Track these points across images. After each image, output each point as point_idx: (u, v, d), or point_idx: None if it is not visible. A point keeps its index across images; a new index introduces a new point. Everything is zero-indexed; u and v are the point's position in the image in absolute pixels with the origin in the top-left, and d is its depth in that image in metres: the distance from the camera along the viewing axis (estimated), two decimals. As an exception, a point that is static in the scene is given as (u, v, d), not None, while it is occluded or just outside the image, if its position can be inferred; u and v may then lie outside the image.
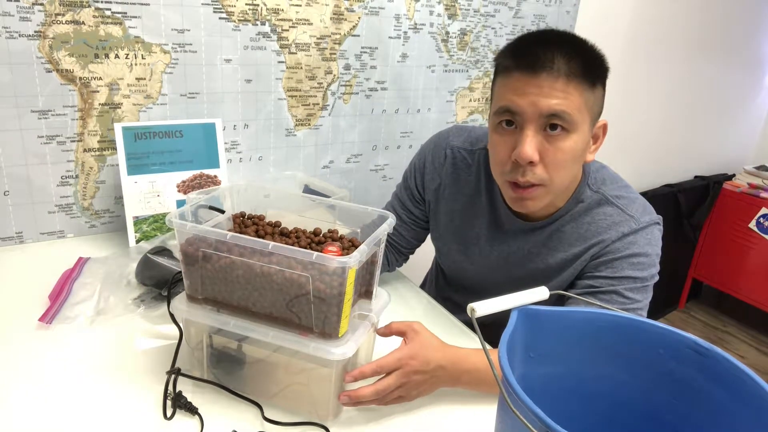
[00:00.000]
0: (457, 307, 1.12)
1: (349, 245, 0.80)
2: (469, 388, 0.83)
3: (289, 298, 0.71)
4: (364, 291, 0.81)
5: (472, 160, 1.03)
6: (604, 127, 0.89)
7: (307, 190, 1.40)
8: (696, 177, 2.72)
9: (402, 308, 1.09)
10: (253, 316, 0.74)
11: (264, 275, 0.71)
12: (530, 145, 0.80)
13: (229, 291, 0.74)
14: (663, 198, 2.51)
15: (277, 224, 0.85)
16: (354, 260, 0.67)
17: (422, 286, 1.31)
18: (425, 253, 1.29)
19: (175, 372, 0.77)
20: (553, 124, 0.80)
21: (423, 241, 1.18)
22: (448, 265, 1.15)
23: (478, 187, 1.02)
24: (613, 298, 0.88)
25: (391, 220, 0.79)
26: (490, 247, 1.02)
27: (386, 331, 0.83)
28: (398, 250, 1.15)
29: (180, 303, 0.77)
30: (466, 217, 1.04)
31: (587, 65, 0.81)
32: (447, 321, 1.06)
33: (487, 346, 0.55)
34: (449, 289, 1.20)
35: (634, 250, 0.89)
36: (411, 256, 1.21)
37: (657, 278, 0.91)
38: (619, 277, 0.88)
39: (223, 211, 0.85)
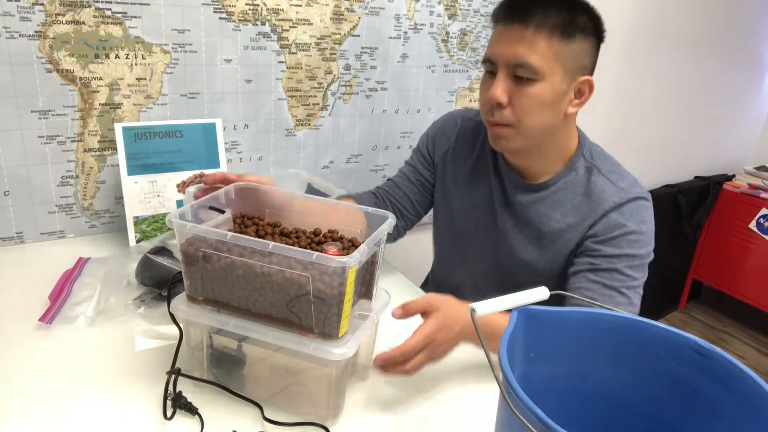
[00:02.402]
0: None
1: (349, 245, 0.80)
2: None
3: (289, 298, 0.71)
4: (364, 291, 0.81)
5: (479, 129, 1.10)
6: (590, 83, 0.92)
7: (310, 189, 1.40)
8: (696, 177, 2.72)
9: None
10: (253, 317, 0.74)
11: (264, 275, 0.71)
12: (499, 87, 0.89)
13: (229, 291, 0.74)
14: (663, 198, 2.51)
15: (276, 224, 0.85)
16: (354, 260, 0.67)
17: (423, 287, 1.31)
18: (427, 252, 1.30)
19: (175, 372, 0.77)
20: (520, 71, 0.87)
21: (425, 212, 1.20)
22: (448, 239, 1.17)
23: (483, 151, 1.08)
24: (613, 275, 0.92)
25: (391, 220, 0.79)
26: (492, 210, 1.07)
27: (404, 313, 0.81)
28: (401, 213, 1.17)
29: (180, 303, 0.77)
30: (471, 178, 1.09)
31: (564, 19, 0.86)
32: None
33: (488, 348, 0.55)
34: (447, 275, 1.21)
35: (629, 227, 0.92)
36: (410, 257, 1.21)
37: (652, 256, 0.95)
38: (618, 255, 0.92)
39: (223, 211, 0.85)
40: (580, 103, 0.93)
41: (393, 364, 0.77)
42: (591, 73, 0.93)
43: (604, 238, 0.93)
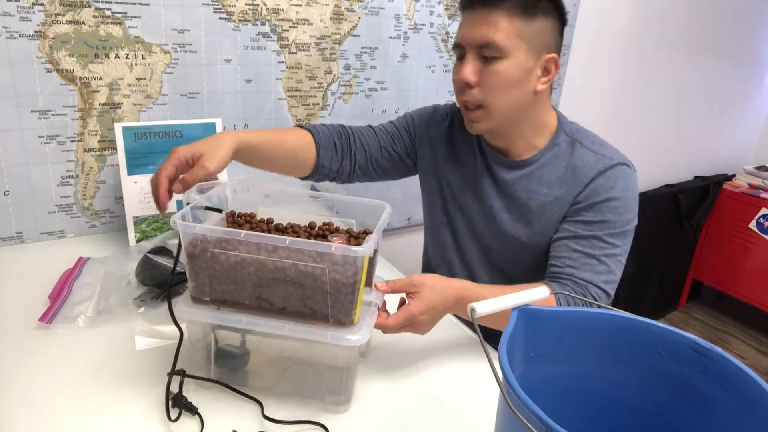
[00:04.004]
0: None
1: (347, 236, 0.83)
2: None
3: (304, 290, 0.72)
4: (367, 279, 0.82)
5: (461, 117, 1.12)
6: (555, 61, 0.95)
7: (313, 187, 1.40)
8: (696, 177, 2.72)
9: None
10: (265, 312, 0.75)
11: (277, 270, 0.72)
12: (467, 68, 0.92)
13: (239, 289, 0.74)
14: (663, 198, 2.51)
15: (270, 221, 0.86)
16: (369, 249, 0.70)
17: None
18: (419, 253, 1.29)
19: (180, 374, 0.76)
20: (486, 52, 0.91)
21: (387, 174, 1.16)
22: (440, 223, 1.17)
23: (470, 136, 1.10)
24: (593, 243, 0.94)
25: (389, 209, 0.83)
26: (479, 190, 1.08)
27: (387, 289, 0.83)
28: (359, 160, 1.11)
29: (184, 305, 0.77)
30: (459, 161, 1.11)
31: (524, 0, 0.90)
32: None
33: (488, 347, 0.55)
34: (439, 257, 1.21)
35: (612, 194, 0.95)
36: (406, 253, 1.21)
37: (635, 222, 0.98)
38: (599, 221, 0.95)
39: (220, 210, 0.85)
40: (548, 80, 0.96)
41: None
42: (557, 53, 0.95)
43: (588, 204, 0.96)
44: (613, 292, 0.94)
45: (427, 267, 1.28)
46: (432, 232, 1.21)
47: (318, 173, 1.07)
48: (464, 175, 1.10)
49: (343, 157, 1.09)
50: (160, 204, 0.79)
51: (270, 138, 0.99)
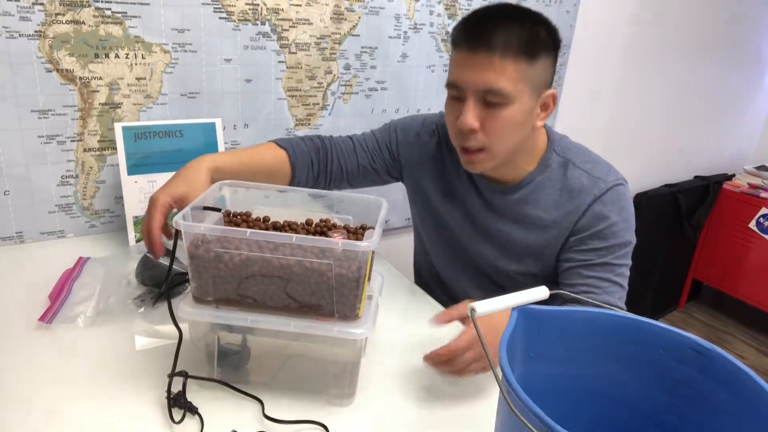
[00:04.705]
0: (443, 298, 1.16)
1: (346, 232, 0.84)
2: None
3: (310, 286, 0.73)
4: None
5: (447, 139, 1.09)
6: (553, 96, 0.94)
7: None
8: (696, 177, 2.72)
9: (391, 301, 1.09)
10: (269, 309, 0.76)
11: (283, 267, 0.73)
12: (470, 114, 0.89)
13: (243, 288, 0.75)
14: (663, 198, 2.51)
15: (266, 219, 0.86)
16: (374, 244, 0.71)
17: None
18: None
19: (182, 375, 0.76)
20: (490, 97, 0.88)
21: (365, 185, 1.16)
22: (431, 244, 1.18)
23: (457, 159, 1.05)
24: (605, 268, 0.96)
25: (386, 205, 0.84)
26: (469, 211, 1.08)
27: (446, 318, 0.83)
28: (335, 177, 1.11)
29: (186, 305, 0.77)
30: (448, 189, 1.10)
31: (526, 40, 0.86)
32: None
33: (488, 346, 0.54)
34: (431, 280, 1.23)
35: (612, 219, 0.96)
36: (406, 253, 1.22)
37: (635, 238, 1.00)
38: (607, 246, 0.96)
39: (219, 210, 0.85)
40: (546, 115, 0.95)
41: (442, 362, 0.80)
42: (551, 85, 0.94)
43: (591, 232, 0.97)
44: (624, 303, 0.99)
45: (418, 274, 1.29)
46: (421, 243, 1.22)
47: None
48: (454, 204, 1.09)
49: (319, 174, 1.10)
50: (155, 254, 0.85)
51: (246, 162, 1.00)
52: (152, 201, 0.85)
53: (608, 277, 0.96)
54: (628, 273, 0.99)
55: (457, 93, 0.91)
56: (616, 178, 0.98)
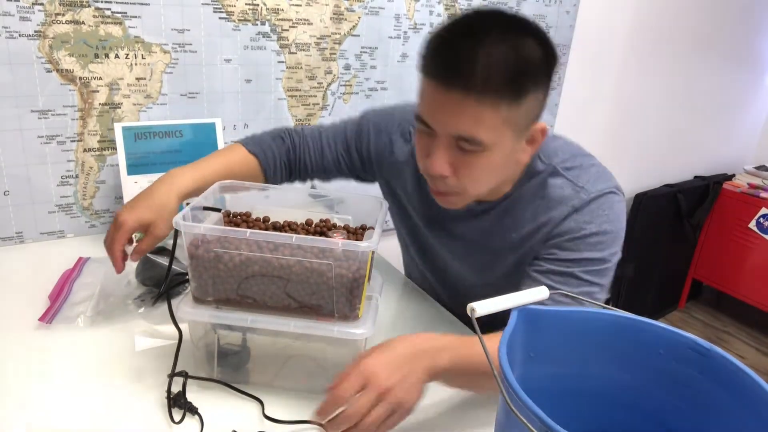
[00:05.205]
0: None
1: (346, 232, 0.84)
2: (458, 372, 0.72)
3: (310, 286, 0.73)
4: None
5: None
6: (543, 130, 0.79)
7: (313, 187, 1.40)
8: (696, 177, 2.72)
9: (391, 301, 1.09)
10: (270, 309, 0.76)
11: (283, 267, 0.73)
12: (440, 161, 0.76)
13: (243, 288, 0.75)
14: (663, 198, 2.51)
15: (266, 219, 0.86)
16: (374, 243, 0.71)
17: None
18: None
19: (182, 375, 0.76)
20: (464, 144, 0.74)
21: (340, 179, 1.09)
22: (409, 250, 1.12)
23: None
24: (568, 280, 0.80)
25: (386, 205, 0.84)
26: (450, 226, 0.97)
27: (328, 410, 0.69)
28: (310, 175, 1.05)
29: (186, 305, 0.77)
30: (424, 198, 0.97)
31: (512, 75, 0.69)
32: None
33: (487, 347, 0.54)
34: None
35: (590, 229, 0.81)
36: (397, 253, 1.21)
37: (619, 255, 0.84)
38: (576, 259, 0.81)
39: (219, 210, 0.85)
40: (534, 149, 0.81)
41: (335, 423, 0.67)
42: (541, 115, 0.79)
43: (561, 240, 0.83)
44: None
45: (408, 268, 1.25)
46: (402, 244, 1.17)
47: None
48: (431, 220, 0.99)
49: (292, 174, 1.05)
50: (117, 269, 0.87)
51: (216, 178, 0.91)
52: (118, 223, 0.83)
53: (567, 291, 0.78)
54: (602, 296, 0.82)
55: (426, 129, 0.76)
56: (605, 187, 0.84)
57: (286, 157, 1.03)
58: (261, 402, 0.77)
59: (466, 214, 0.93)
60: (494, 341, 0.54)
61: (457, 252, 0.99)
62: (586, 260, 0.81)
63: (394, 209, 1.07)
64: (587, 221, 0.82)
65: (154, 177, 1.20)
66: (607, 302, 1.10)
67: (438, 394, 0.84)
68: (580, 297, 0.73)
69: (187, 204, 0.80)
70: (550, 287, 0.74)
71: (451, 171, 0.77)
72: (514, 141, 0.76)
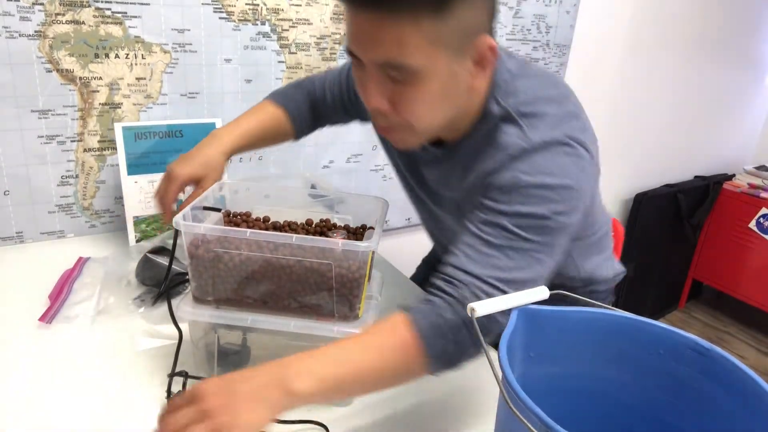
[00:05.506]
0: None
1: (346, 232, 0.85)
2: (331, 390, 0.63)
3: (310, 286, 0.73)
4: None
5: None
6: (491, 48, 0.69)
7: (313, 186, 1.40)
8: (696, 177, 2.72)
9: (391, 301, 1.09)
10: (270, 309, 0.76)
11: (283, 267, 0.73)
12: (372, 93, 0.69)
13: (243, 288, 0.75)
14: (663, 198, 2.51)
15: (266, 219, 0.86)
16: (374, 243, 0.71)
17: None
18: (421, 248, 1.29)
19: (182, 375, 0.77)
20: (392, 73, 0.67)
21: (345, 121, 1.12)
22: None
23: None
24: (499, 232, 0.70)
25: (386, 204, 0.83)
26: (423, 171, 0.92)
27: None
28: (325, 109, 1.06)
29: (186, 305, 0.77)
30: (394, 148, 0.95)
31: None
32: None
33: (488, 346, 0.54)
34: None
35: (527, 180, 0.70)
36: (406, 253, 1.20)
37: (573, 217, 0.72)
38: (507, 211, 0.70)
39: (219, 210, 0.85)
40: (486, 72, 0.72)
41: None
42: (489, 31, 0.69)
43: (496, 190, 0.72)
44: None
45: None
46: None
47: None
48: (407, 162, 0.95)
49: (316, 118, 1.08)
50: (166, 219, 0.88)
51: (254, 135, 0.98)
52: (172, 176, 0.88)
53: (499, 244, 0.69)
54: (541, 256, 0.70)
55: (357, 61, 0.70)
56: (554, 136, 0.72)
57: (309, 103, 1.05)
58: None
59: (431, 158, 0.87)
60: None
61: (435, 199, 0.93)
62: (519, 214, 0.70)
63: (391, 164, 1.02)
64: (525, 171, 0.71)
65: (154, 177, 1.20)
66: (606, 302, 1.10)
67: (438, 394, 0.84)
68: (509, 249, 0.69)
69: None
70: (479, 237, 0.71)
71: (388, 105, 0.70)
72: (453, 63, 0.67)
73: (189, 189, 0.92)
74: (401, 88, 0.68)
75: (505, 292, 0.67)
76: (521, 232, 0.69)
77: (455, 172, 0.82)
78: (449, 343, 0.66)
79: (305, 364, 0.62)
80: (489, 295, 0.66)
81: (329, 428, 0.75)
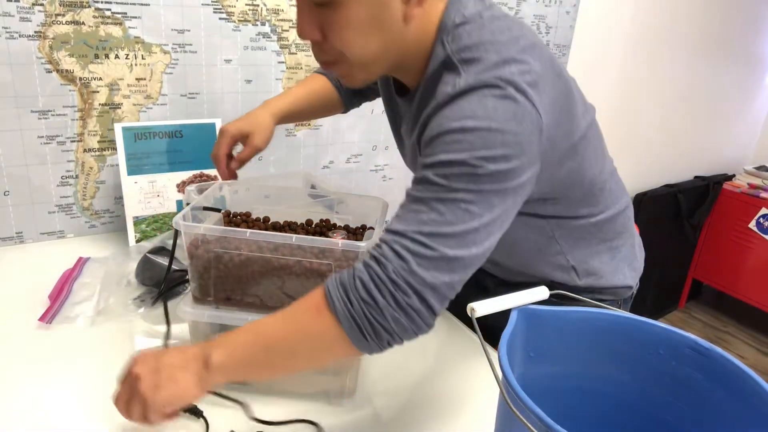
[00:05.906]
0: None
1: (346, 232, 0.84)
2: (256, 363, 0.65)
3: (310, 286, 0.73)
4: None
5: None
6: None
7: (313, 186, 1.41)
8: (696, 177, 2.72)
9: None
10: (269, 309, 0.76)
11: (283, 268, 0.73)
12: (303, 23, 0.69)
13: (243, 288, 0.75)
14: (663, 198, 2.51)
15: (266, 219, 0.86)
16: (374, 243, 0.69)
17: None
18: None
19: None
20: None
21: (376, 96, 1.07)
22: None
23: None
24: (424, 186, 0.65)
25: (387, 204, 0.83)
26: (400, 130, 0.89)
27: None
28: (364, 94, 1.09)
29: (186, 305, 0.77)
30: (387, 95, 0.91)
31: None
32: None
33: (488, 347, 0.55)
34: None
35: (449, 126, 0.64)
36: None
37: (511, 165, 0.64)
38: (430, 163, 0.65)
39: (219, 210, 0.85)
40: (423, 5, 0.69)
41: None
42: None
43: (424, 144, 0.68)
44: (448, 249, 0.61)
45: None
46: None
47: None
48: (393, 125, 0.93)
49: (358, 98, 1.11)
50: (222, 177, 0.95)
51: (303, 104, 1.03)
52: (222, 131, 0.94)
53: (424, 197, 0.64)
54: (469, 206, 0.63)
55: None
56: (482, 79, 0.65)
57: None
58: (260, 402, 0.77)
59: (403, 112, 0.84)
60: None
61: (410, 160, 0.90)
62: (441, 162, 0.64)
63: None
64: (448, 117, 0.65)
65: (154, 177, 1.20)
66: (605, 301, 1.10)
67: (438, 394, 0.84)
68: (435, 201, 0.63)
69: (188, 204, 0.80)
70: (408, 195, 0.66)
71: (319, 35, 0.68)
72: None
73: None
74: (326, 14, 0.66)
75: (430, 248, 0.62)
76: (443, 182, 0.63)
77: (411, 125, 0.79)
78: (357, 302, 0.61)
79: (227, 336, 0.64)
80: (411, 251, 0.61)
81: (328, 428, 0.75)
